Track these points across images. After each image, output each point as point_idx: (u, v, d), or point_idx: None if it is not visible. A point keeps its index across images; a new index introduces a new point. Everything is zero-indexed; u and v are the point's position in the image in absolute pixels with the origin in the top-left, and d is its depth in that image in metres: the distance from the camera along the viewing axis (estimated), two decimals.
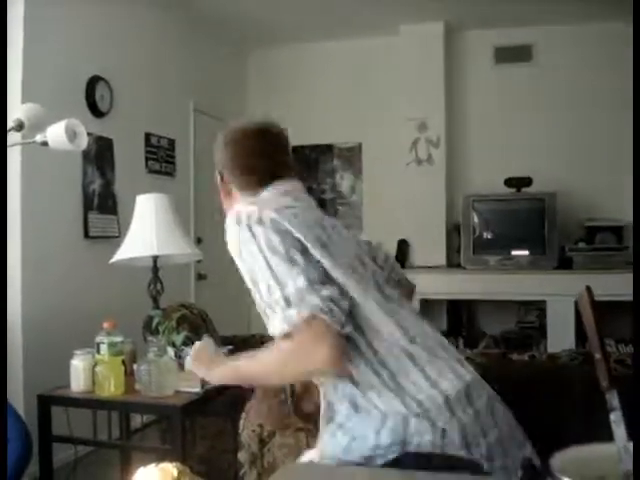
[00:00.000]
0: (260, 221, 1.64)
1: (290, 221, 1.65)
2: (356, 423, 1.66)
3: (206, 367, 1.86)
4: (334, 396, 1.73)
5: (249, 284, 1.65)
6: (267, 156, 1.94)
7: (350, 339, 1.61)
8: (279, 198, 1.81)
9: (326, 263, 1.62)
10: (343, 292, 1.60)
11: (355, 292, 1.62)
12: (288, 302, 1.55)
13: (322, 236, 1.67)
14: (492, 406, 1.66)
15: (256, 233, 1.63)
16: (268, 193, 1.85)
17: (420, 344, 1.65)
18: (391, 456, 1.60)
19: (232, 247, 1.69)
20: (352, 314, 1.61)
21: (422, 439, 1.59)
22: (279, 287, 1.57)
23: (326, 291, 1.56)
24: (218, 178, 1.96)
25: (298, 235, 1.63)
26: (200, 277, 5.78)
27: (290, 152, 2.03)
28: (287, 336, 1.56)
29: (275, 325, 1.58)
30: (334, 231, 1.74)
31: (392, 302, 1.71)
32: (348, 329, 1.58)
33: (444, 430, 1.58)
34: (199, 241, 5.46)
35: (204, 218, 5.80)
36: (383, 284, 1.75)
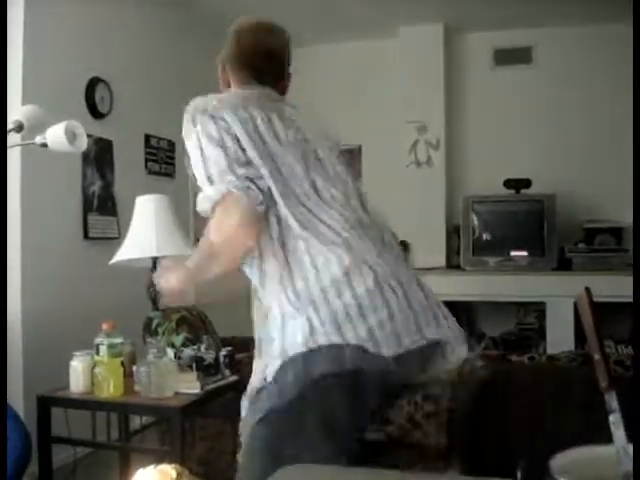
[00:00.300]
0: (204, 111, 1.81)
1: (232, 111, 1.79)
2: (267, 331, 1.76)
3: (169, 276, 1.95)
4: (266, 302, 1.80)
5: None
6: (262, 56, 2.05)
7: (265, 221, 1.71)
8: (241, 92, 1.95)
9: (253, 155, 1.72)
10: (262, 177, 1.70)
11: (274, 187, 1.71)
12: (211, 182, 1.70)
13: (263, 133, 1.76)
14: (382, 288, 1.66)
15: (197, 122, 1.81)
16: (240, 90, 1.98)
17: (316, 234, 1.70)
18: (277, 366, 1.66)
19: (184, 139, 1.86)
20: (270, 197, 1.70)
21: (295, 340, 1.64)
22: (205, 169, 1.72)
23: (243, 170, 1.68)
24: (220, 69, 2.10)
25: (234, 128, 1.75)
26: None
27: (286, 58, 2.13)
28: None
29: (202, 204, 1.74)
30: (283, 125, 1.80)
31: (322, 197, 1.77)
32: (262, 207, 1.68)
33: (311, 321, 1.64)
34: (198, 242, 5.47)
35: (204, 219, 5.81)
36: (320, 178, 1.79)
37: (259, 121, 1.77)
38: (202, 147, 1.76)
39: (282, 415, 1.62)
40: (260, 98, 1.89)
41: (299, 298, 1.65)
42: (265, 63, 2.04)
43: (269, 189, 1.70)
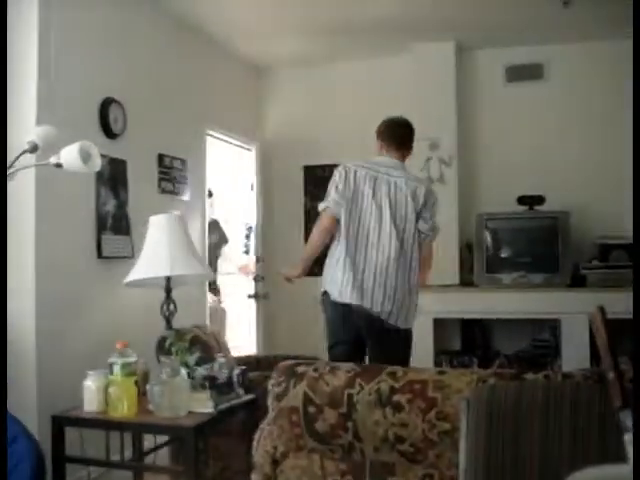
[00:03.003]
0: (343, 166, 3.78)
1: (346, 166, 3.77)
2: None
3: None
4: None
5: None
6: (392, 138, 3.90)
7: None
8: (371, 159, 3.88)
9: (345, 187, 3.70)
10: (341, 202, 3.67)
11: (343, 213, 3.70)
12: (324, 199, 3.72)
13: (356, 178, 3.72)
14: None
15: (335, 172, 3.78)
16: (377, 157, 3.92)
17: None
18: None
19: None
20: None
21: None
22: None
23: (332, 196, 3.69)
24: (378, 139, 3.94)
25: (340, 172, 3.74)
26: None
27: (407, 141, 3.93)
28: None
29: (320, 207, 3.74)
30: (378, 181, 3.72)
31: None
32: (332, 219, 3.69)
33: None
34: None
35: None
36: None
37: (368, 179, 3.71)
38: (330, 183, 3.73)
39: None
40: (378, 163, 3.82)
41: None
42: (392, 145, 3.90)
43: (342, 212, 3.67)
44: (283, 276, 3.88)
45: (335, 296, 3.60)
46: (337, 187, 3.65)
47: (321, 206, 3.67)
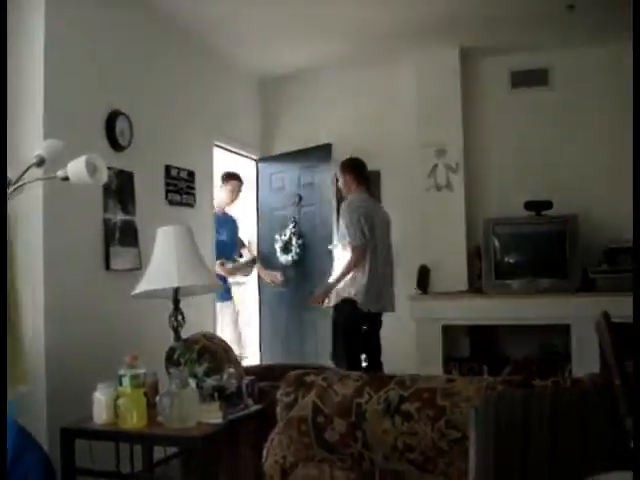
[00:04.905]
0: (350, 204, 5.00)
1: (357, 206, 4.98)
2: None
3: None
4: None
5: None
6: (364, 177, 5.18)
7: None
8: (359, 197, 5.07)
9: (365, 227, 4.91)
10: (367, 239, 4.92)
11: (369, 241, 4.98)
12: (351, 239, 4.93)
13: (367, 218, 4.94)
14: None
15: (346, 211, 4.98)
16: (357, 194, 5.08)
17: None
18: None
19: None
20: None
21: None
22: (348, 233, 4.93)
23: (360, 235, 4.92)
24: (346, 179, 5.18)
25: (358, 215, 4.91)
26: None
27: (369, 178, 5.30)
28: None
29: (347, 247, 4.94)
30: (374, 215, 5.02)
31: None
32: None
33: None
34: None
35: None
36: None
37: (368, 215, 4.94)
38: (348, 224, 4.94)
39: None
40: (364, 201, 5.05)
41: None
42: (363, 182, 5.15)
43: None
44: (316, 299, 5.17)
45: (361, 304, 4.88)
46: (362, 226, 4.90)
47: (355, 243, 4.88)
